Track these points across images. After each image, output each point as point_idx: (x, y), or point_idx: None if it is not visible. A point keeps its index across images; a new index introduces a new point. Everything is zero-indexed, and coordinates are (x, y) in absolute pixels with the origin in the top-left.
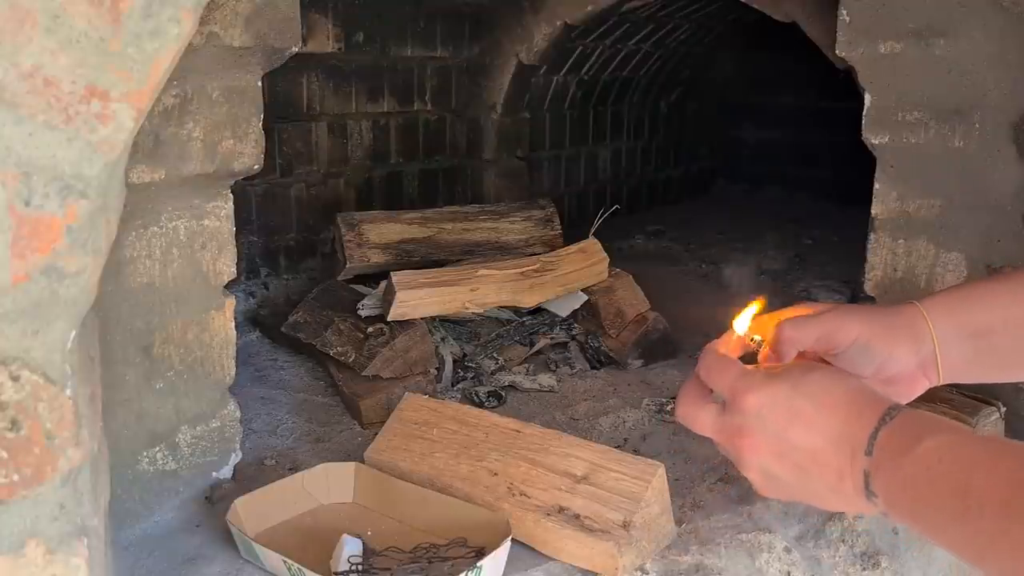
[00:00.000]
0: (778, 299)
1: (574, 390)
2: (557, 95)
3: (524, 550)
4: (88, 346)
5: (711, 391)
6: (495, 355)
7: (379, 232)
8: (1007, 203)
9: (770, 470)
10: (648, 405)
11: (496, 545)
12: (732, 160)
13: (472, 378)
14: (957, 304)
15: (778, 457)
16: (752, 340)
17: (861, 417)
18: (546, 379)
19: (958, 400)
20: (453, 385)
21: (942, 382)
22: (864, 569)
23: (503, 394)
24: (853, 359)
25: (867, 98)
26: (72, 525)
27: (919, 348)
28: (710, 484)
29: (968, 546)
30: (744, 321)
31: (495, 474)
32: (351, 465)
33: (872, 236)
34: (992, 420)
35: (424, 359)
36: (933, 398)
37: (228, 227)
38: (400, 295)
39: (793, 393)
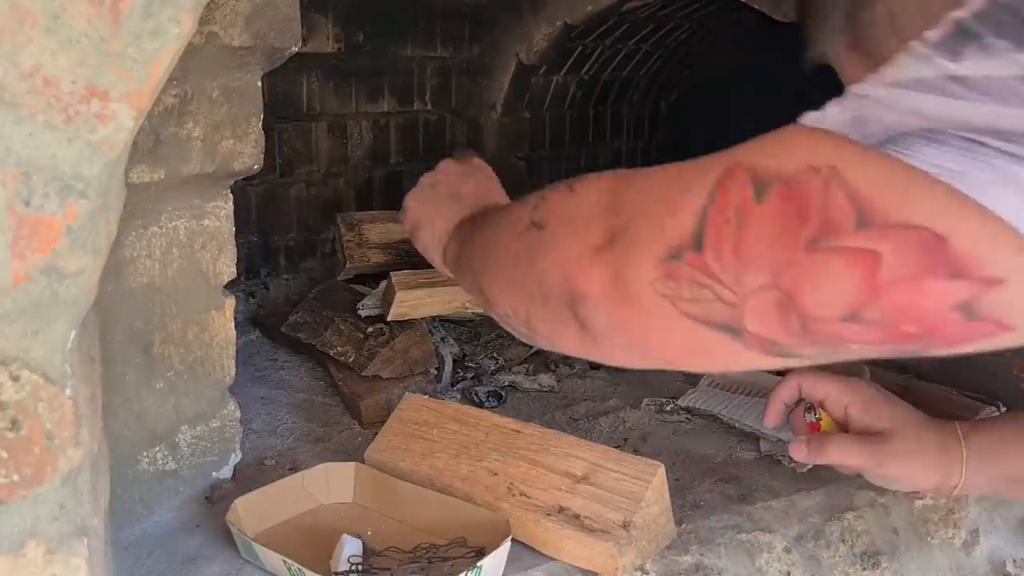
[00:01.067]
0: None
1: (574, 390)
2: (557, 95)
3: (524, 550)
4: (88, 346)
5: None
6: (495, 355)
7: (379, 232)
8: None
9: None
10: (648, 405)
11: (496, 545)
12: None
13: (472, 378)
14: (992, 449)
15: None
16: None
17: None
18: (546, 379)
19: (958, 400)
20: (453, 385)
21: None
22: (864, 569)
23: (503, 394)
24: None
25: None
26: (72, 525)
27: (947, 477)
28: (710, 484)
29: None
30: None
31: (495, 474)
32: (351, 465)
33: None
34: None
35: (424, 359)
36: (932, 398)
37: (228, 227)
38: (400, 295)
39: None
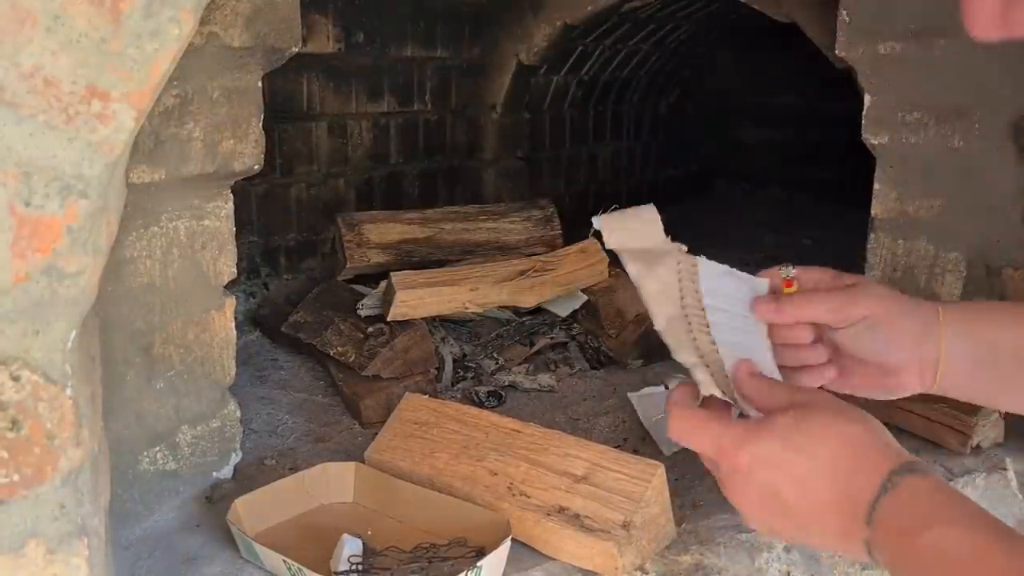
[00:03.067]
0: None
1: (574, 390)
2: (557, 95)
3: (524, 550)
4: (88, 346)
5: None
6: (495, 355)
7: (379, 232)
8: (1007, 203)
9: (772, 527)
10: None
11: (496, 545)
12: (732, 160)
13: (472, 378)
14: (973, 315)
15: (778, 516)
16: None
17: (859, 478)
18: (546, 379)
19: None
20: (453, 385)
21: (936, 389)
22: (864, 569)
23: (503, 394)
24: (857, 337)
25: (867, 98)
26: (72, 525)
27: (924, 344)
28: (710, 484)
29: None
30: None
31: (495, 474)
32: (351, 465)
33: (872, 236)
34: (992, 420)
35: (424, 359)
36: (932, 397)
37: (228, 227)
38: (400, 295)
39: (784, 449)
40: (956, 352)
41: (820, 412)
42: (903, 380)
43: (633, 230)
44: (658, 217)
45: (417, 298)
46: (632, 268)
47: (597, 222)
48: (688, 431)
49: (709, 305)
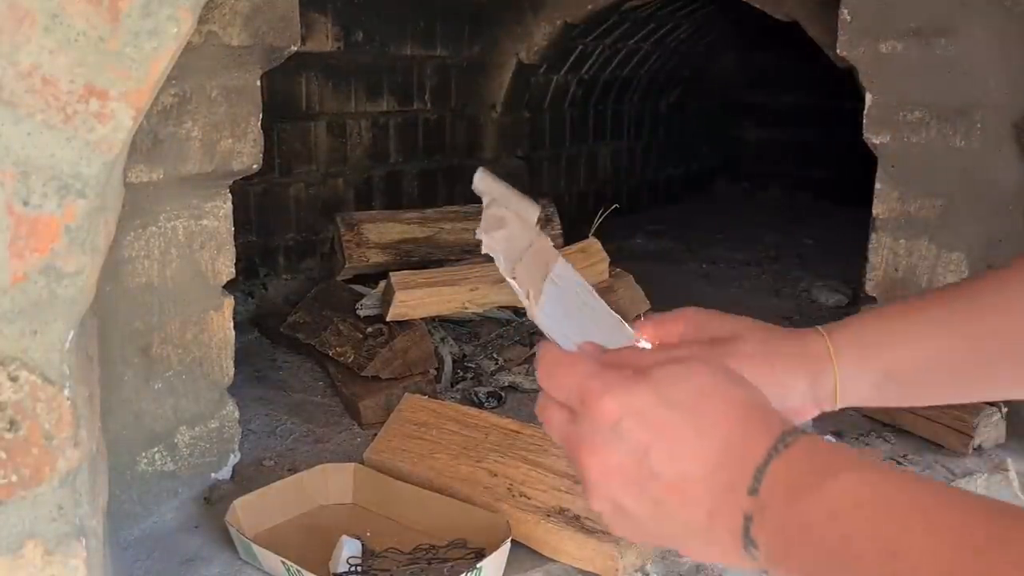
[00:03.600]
0: (778, 299)
1: None
2: (557, 94)
3: (524, 551)
4: (86, 346)
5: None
6: (495, 355)
7: (379, 232)
8: (1008, 203)
9: (623, 503)
10: None
11: (496, 546)
12: (732, 160)
13: (472, 378)
14: (868, 340)
15: (634, 486)
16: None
17: (747, 442)
18: None
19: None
20: (453, 385)
21: (837, 408)
22: None
23: (503, 394)
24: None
25: (868, 97)
26: (70, 526)
27: (817, 385)
28: None
29: None
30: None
31: (495, 475)
32: (350, 466)
33: (873, 236)
34: (994, 421)
35: (424, 359)
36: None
37: (227, 227)
38: (399, 295)
39: (660, 403)
40: (854, 382)
41: (704, 370)
42: (799, 414)
43: (510, 200)
44: (536, 214)
45: (416, 298)
46: (493, 210)
47: (479, 176)
48: (552, 367)
49: (551, 281)
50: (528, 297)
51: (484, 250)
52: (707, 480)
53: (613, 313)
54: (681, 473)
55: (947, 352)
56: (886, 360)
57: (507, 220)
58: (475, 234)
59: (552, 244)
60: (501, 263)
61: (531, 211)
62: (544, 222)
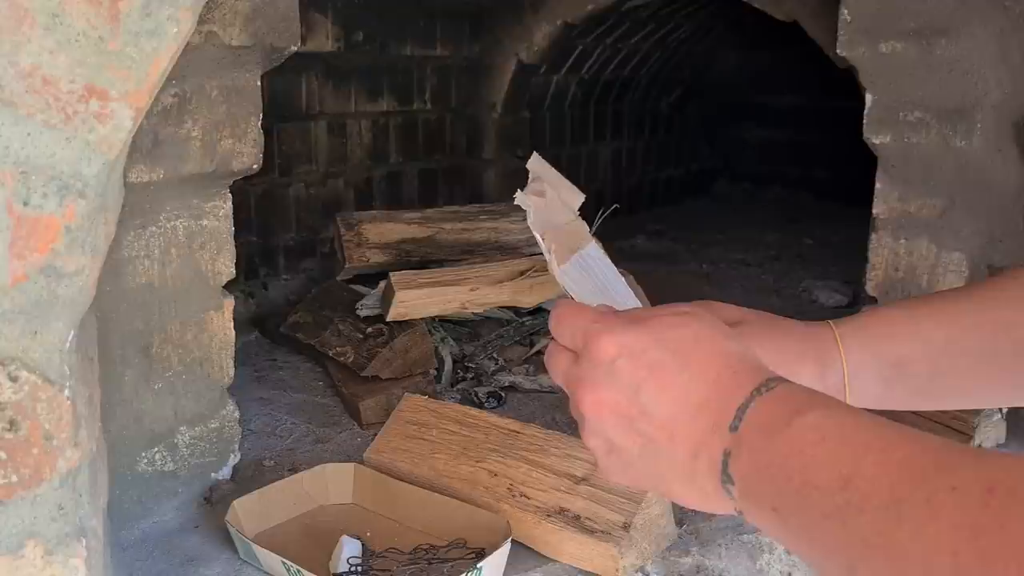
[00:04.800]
0: (778, 299)
1: None
2: (557, 94)
3: (524, 551)
4: (87, 346)
5: None
6: (495, 355)
7: (379, 232)
8: (1009, 203)
9: (614, 439)
10: None
11: (496, 546)
12: (733, 160)
13: (472, 378)
14: (875, 331)
15: (625, 421)
16: None
17: (733, 384)
18: (546, 379)
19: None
20: (453, 385)
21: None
22: None
23: (503, 394)
24: None
25: (868, 97)
26: (71, 526)
27: (826, 374)
28: None
29: (836, 552)
30: None
31: (495, 475)
32: (350, 466)
33: (873, 236)
34: (994, 421)
35: (424, 359)
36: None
37: (227, 227)
38: (399, 295)
39: (655, 345)
40: (862, 376)
41: (701, 322)
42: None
43: (558, 185)
44: (580, 201)
45: (417, 298)
46: (537, 185)
47: (534, 158)
48: (562, 317)
49: (580, 256)
50: (552, 253)
51: (517, 201)
52: (693, 419)
53: (635, 296)
54: (670, 411)
55: (957, 344)
56: (894, 351)
57: (548, 196)
58: (514, 197)
59: (590, 230)
60: (531, 217)
61: (576, 198)
62: None
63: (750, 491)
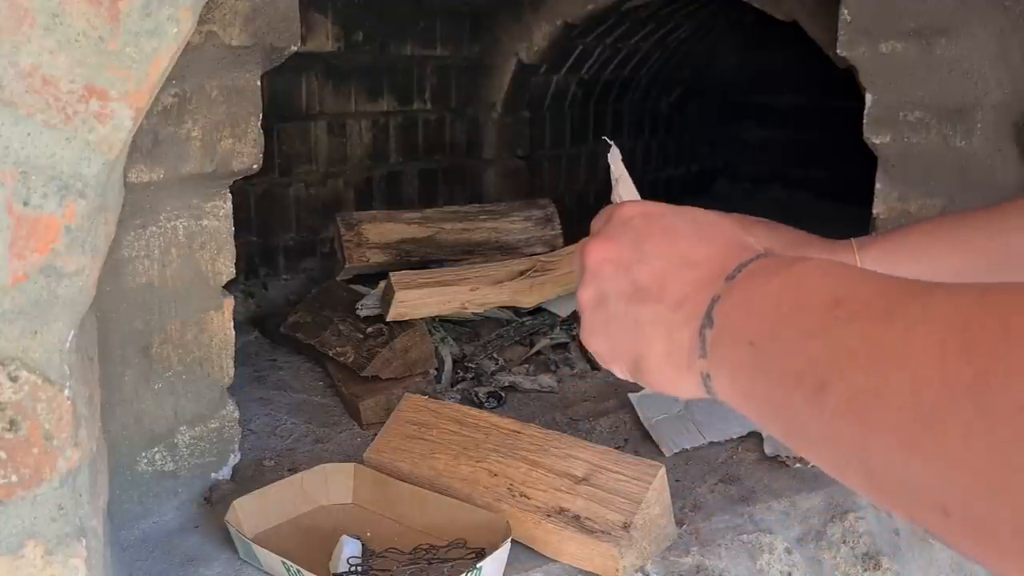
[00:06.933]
0: None
1: (574, 390)
2: (557, 94)
3: (524, 551)
4: (87, 346)
5: None
6: (495, 355)
7: (379, 232)
8: None
9: (606, 288)
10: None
11: (496, 546)
12: (733, 159)
13: (472, 378)
14: (892, 251)
15: (622, 269)
16: None
17: (738, 249)
18: (546, 379)
19: None
20: (453, 386)
21: None
22: (865, 570)
23: (503, 395)
24: None
25: (868, 97)
26: (71, 526)
27: None
28: (711, 485)
29: (808, 373)
30: None
31: (495, 475)
32: (350, 466)
33: None
34: None
35: (424, 359)
36: None
37: (227, 227)
38: (399, 295)
39: (674, 213)
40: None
41: (723, 216)
42: None
43: (627, 187)
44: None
45: (416, 298)
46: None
47: (614, 151)
48: (601, 212)
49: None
50: (619, 180)
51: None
52: (690, 270)
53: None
54: (668, 262)
55: (968, 268)
56: (909, 272)
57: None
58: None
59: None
60: (614, 153)
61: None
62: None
63: (728, 328)
